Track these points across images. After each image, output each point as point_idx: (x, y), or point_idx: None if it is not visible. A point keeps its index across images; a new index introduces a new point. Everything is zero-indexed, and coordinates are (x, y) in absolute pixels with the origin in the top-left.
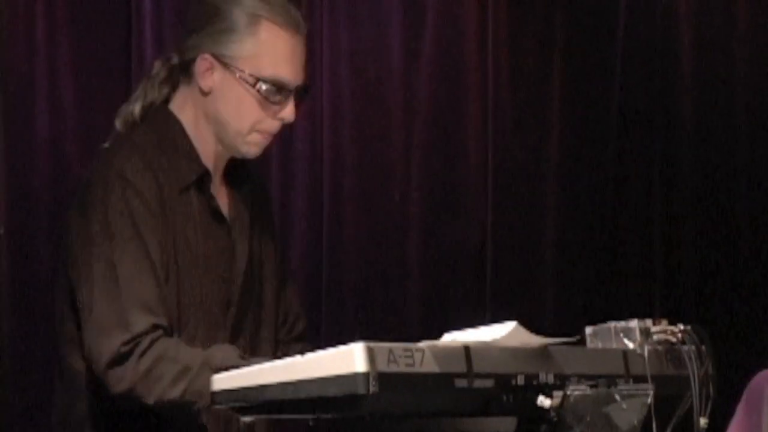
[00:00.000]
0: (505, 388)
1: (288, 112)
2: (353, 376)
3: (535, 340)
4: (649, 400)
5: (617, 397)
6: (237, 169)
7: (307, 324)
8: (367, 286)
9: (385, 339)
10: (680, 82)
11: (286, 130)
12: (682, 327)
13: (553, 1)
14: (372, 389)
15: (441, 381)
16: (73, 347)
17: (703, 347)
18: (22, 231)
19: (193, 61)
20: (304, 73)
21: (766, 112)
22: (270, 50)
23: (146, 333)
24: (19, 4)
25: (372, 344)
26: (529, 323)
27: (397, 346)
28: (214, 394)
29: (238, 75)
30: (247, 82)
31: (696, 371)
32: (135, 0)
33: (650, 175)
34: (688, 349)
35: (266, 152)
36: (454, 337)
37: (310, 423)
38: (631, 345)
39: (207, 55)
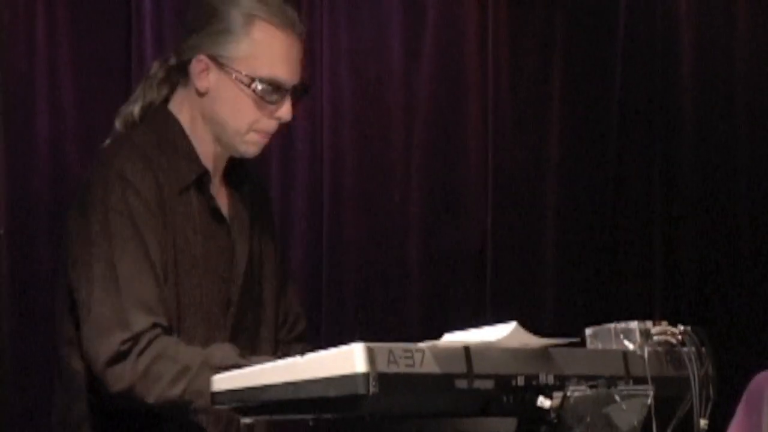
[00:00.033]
0: (505, 389)
1: (285, 111)
2: (353, 377)
3: (535, 341)
4: (649, 401)
5: (617, 398)
6: (236, 170)
7: (307, 324)
8: (367, 286)
9: (385, 339)
10: (680, 82)
11: (287, 130)
12: (682, 328)
13: (553, 1)
14: (372, 390)
15: (441, 381)
16: (73, 347)
17: (703, 348)
18: (22, 231)
19: (189, 62)
20: (301, 72)
21: (766, 112)
22: (265, 50)
23: (145, 332)
24: (19, 4)
25: (372, 344)
26: (529, 323)
27: (397, 346)
28: (214, 394)
29: (233, 76)
30: (243, 83)
31: (696, 372)
32: (135, 0)
33: (650, 175)
34: (688, 350)
35: (266, 152)
36: (454, 338)
37: (310, 423)
38: (631, 346)
39: (202, 56)
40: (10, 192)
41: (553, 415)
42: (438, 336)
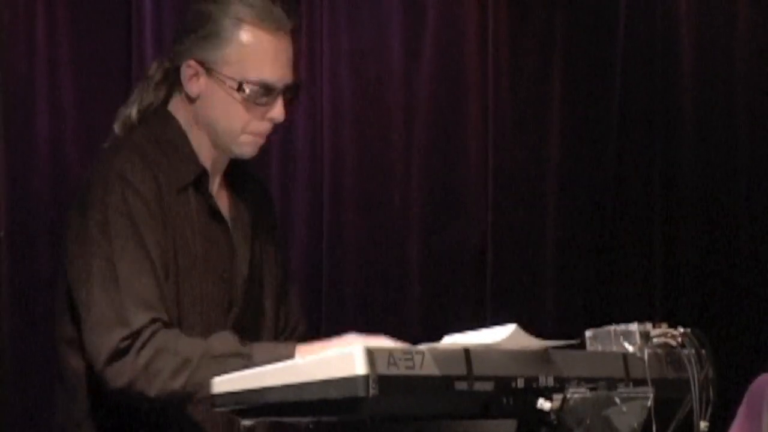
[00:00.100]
0: (505, 391)
1: (277, 112)
2: (353, 379)
3: (535, 343)
4: (649, 403)
5: (617, 400)
6: (238, 171)
7: (308, 326)
8: (367, 286)
9: None
10: (680, 82)
11: (287, 130)
12: (682, 330)
13: (553, 1)
14: (372, 392)
15: (441, 384)
16: (72, 347)
17: (703, 350)
18: (23, 231)
19: (180, 67)
20: (292, 72)
21: (766, 112)
22: (252, 53)
23: (145, 327)
24: (19, 4)
25: (372, 347)
26: (529, 324)
27: (397, 348)
28: (215, 396)
29: (222, 80)
30: (232, 87)
31: (696, 374)
32: (135, 0)
33: (650, 175)
34: (688, 352)
35: (266, 152)
36: (454, 340)
37: (310, 426)
38: (631, 348)
39: (192, 62)
40: (10, 192)
41: (552, 417)
42: (438, 336)
